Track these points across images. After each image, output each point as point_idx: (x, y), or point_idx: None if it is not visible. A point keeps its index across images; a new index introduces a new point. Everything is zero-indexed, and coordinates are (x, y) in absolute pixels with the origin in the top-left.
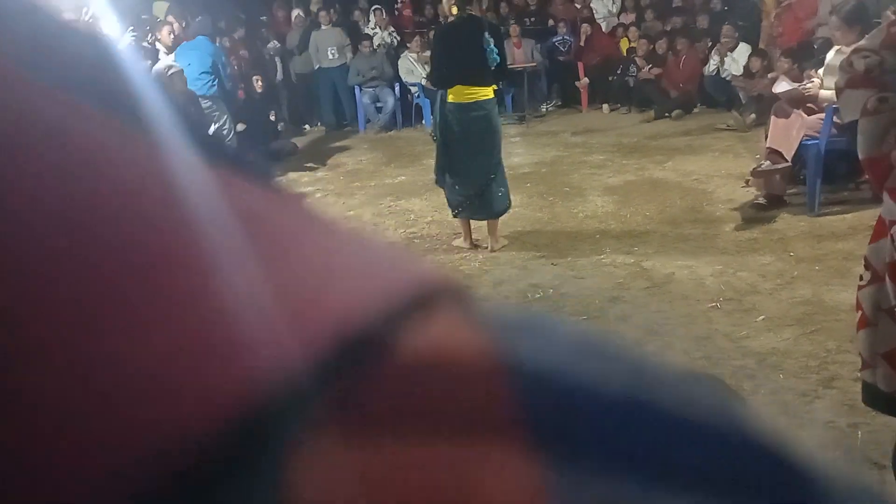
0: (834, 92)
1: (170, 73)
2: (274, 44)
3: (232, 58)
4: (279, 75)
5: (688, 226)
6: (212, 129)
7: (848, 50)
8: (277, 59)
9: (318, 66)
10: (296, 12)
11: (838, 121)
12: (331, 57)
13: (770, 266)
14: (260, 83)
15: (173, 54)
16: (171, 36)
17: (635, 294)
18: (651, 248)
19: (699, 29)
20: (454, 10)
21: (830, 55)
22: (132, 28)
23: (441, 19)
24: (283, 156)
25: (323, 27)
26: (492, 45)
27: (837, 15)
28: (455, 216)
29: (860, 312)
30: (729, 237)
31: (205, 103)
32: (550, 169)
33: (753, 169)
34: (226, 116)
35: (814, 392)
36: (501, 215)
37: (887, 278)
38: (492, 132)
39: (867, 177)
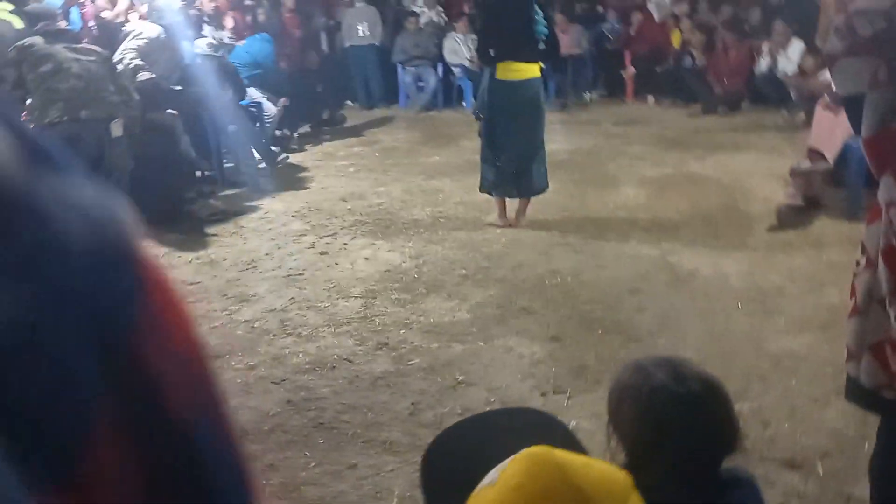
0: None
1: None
2: (323, 20)
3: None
4: (325, 49)
5: (720, 223)
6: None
7: None
8: (323, 34)
9: (348, 44)
10: None
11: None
12: (360, 35)
13: (800, 269)
14: (315, 59)
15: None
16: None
17: (656, 287)
18: (679, 243)
19: (750, 24)
20: None
21: None
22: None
23: None
24: (332, 124)
25: (357, 4)
26: (541, 17)
27: None
28: (487, 193)
29: (853, 300)
30: (761, 237)
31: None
32: (587, 157)
33: (792, 168)
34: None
35: (826, 399)
36: (538, 194)
37: (880, 264)
38: (538, 112)
39: (869, 159)
